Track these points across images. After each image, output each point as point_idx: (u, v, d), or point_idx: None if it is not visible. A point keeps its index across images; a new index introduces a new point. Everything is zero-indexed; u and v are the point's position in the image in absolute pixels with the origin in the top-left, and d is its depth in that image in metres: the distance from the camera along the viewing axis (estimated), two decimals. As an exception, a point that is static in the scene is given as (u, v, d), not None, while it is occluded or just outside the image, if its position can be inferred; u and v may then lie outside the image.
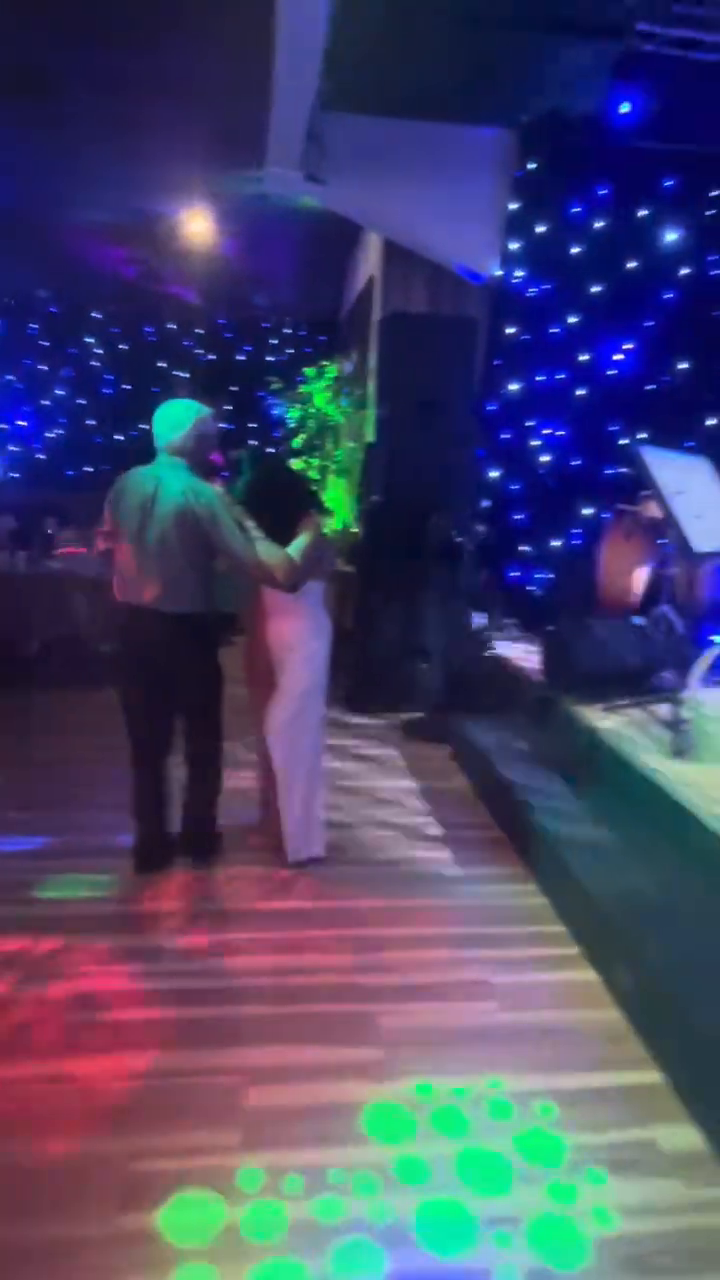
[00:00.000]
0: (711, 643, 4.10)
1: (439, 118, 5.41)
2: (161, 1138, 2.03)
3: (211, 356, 10.76)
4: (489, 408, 6.05)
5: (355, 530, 6.32)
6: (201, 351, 10.84)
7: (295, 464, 7.69)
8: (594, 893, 2.84)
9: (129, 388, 10.86)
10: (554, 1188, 1.92)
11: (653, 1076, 2.29)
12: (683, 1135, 2.09)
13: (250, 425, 10.30)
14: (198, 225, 7.96)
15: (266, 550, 3.08)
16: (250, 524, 3.12)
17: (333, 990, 2.57)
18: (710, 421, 5.95)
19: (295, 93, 4.74)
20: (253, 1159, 1.98)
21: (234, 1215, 1.83)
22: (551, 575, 6.14)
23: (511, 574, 6.21)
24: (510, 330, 6.02)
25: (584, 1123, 2.11)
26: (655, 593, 5.23)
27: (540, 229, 5.90)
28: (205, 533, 3.01)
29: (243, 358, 10.74)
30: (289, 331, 10.59)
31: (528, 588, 6.20)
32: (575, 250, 5.93)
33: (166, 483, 3.05)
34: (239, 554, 3.03)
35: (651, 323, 6.11)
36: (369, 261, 7.78)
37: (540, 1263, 1.74)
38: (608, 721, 4.10)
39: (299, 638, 3.26)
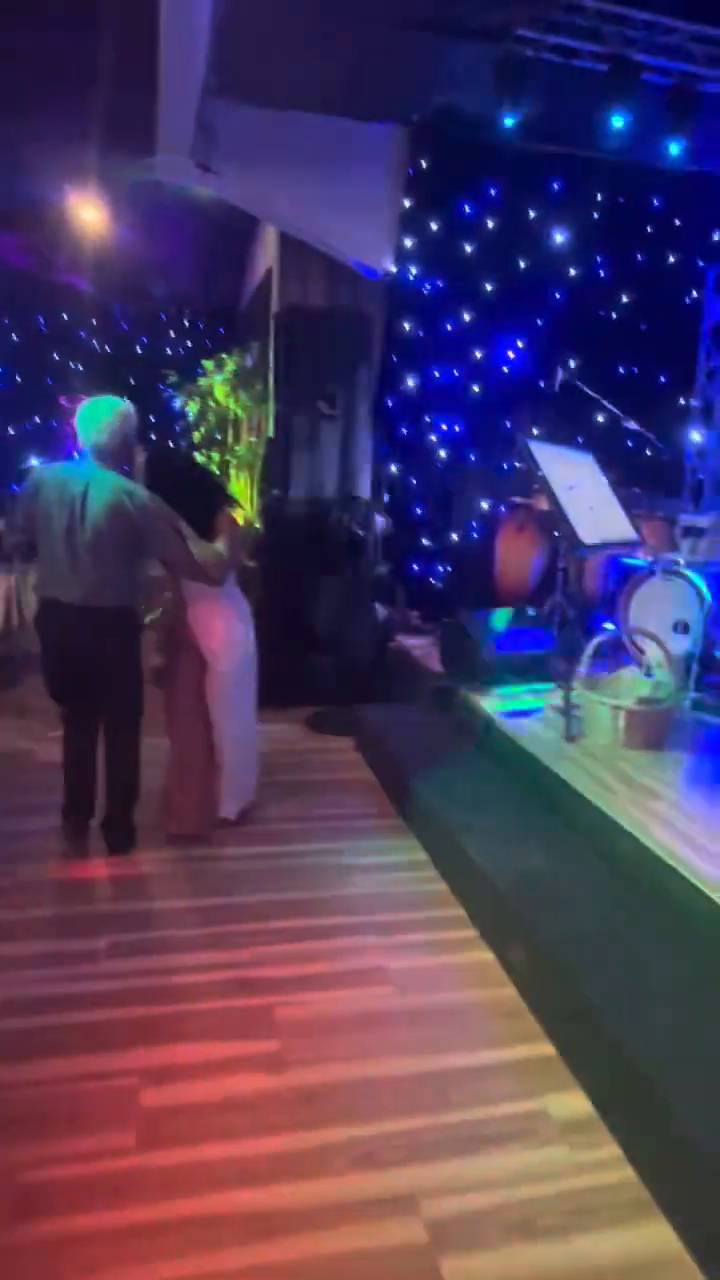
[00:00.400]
0: (601, 630, 4.26)
1: (331, 112, 5.41)
2: (53, 1145, 1.99)
3: (107, 348, 10.48)
4: (388, 402, 6.11)
5: (257, 525, 6.28)
6: (97, 343, 10.54)
7: (196, 458, 7.58)
8: (489, 874, 2.91)
9: (20, 380, 10.47)
10: (447, 1164, 1.97)
11: (545, 1049, 2.37)
12: (572, 1102, 2.17)
13: (149, 419, 10.08)
14: (91, 213, 7.73)
15: (200, 550, 3.26)
16: (183, 524, 3.26)
17: (228, 986, 2.56)
18: (599, 419, 6.17)
19: (182, 79, 4.65)
20: (150, 1159, 1.96)
21: (134, 1217, 1.81)
22: (450, 567, 6.25)
23: (413, 567, 6.29)
24: (406, 326, 6.09)
25: (478, 1098, 2.16)
26: (548, 583, 5.40)
27: (433, 226, 5.99)
28: (139, 534, 3.12)
29: (140, 350, 10.50)
30: (187, 323, 10.42)
31: (428, 580, 6.30)
32: (468, 248, 6.04)
33: (98, 482, 3.09)
34: (175, 556, 3.20)
35: (542, 321, 6.29)
36: (267, 253, 7.72)
37: (433, 1234, 1.79)
38: (504, 708, 4.22)
39: (227, 624, 3.50)
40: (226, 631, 3.51)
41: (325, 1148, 2.01)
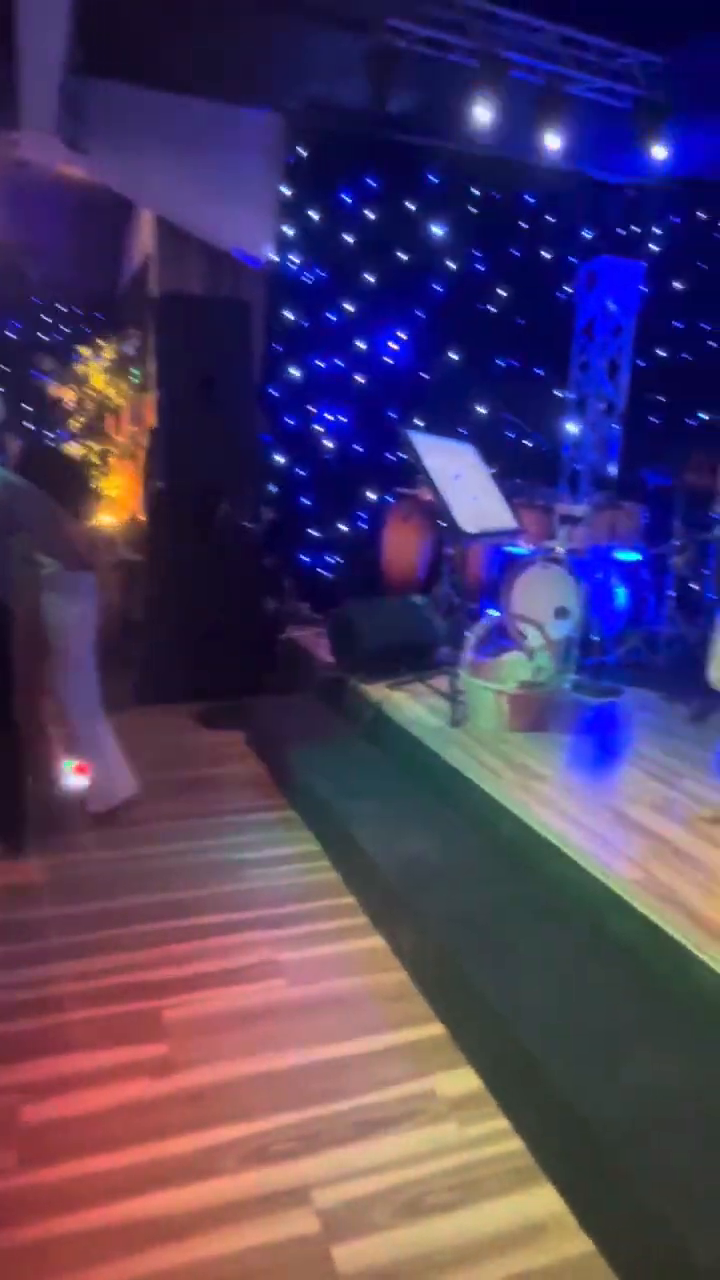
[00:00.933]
0: (485, 617, 4.36)
1: (204, 94, 5.30)
2: None
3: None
4: (272, 393, 6.06)
5: (142, 517, 6.12)
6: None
7: (73, 449, 7.31)
8: (378, 861, 2.93)
9: None
10: (339, 1152, 1.98)
11: (435, 1029, 2.41)
12: (460, 1079, 2.22)
13: (24, 407, 9.67)
14: (-48, 189, 7.32)
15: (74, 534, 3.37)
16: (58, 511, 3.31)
17: (113, 992, 2.49)
18: (480, 410, 6.30)
19: (44, 52, 4.46)
20: (34, 1177, 1.89)
21: (19, 1237, 1.74)
22: (339, 558, 6.27)
23: (301, 557, 6.27)
24: (289, 316, 6.05)
25: (369, 1083, 2.18)
26: (435, 572, 5.49)
27: (313, 216, 5.97)
28: (17, 522, 3.14)
29: (13, 335, 10.04)
30: (63, 309, 10.03)
31: (318, 571, 6.29)
32: (348, 239, 6.05)
33: None
34: (51, 542, 3.24)
35: (423, 313, 6.37)
36: (144, 239, 7.52)
37: (324, 1223, 1.79)
38: (393, 697, 4.26)
39: (73, 603, 3.44)
40: (73, 607, 3.48)
41: (216, 1147, 1.98)
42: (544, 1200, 1.87)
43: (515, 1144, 2.02)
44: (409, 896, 2.73)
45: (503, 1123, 2.07)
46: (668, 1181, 1.67)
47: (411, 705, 4.16)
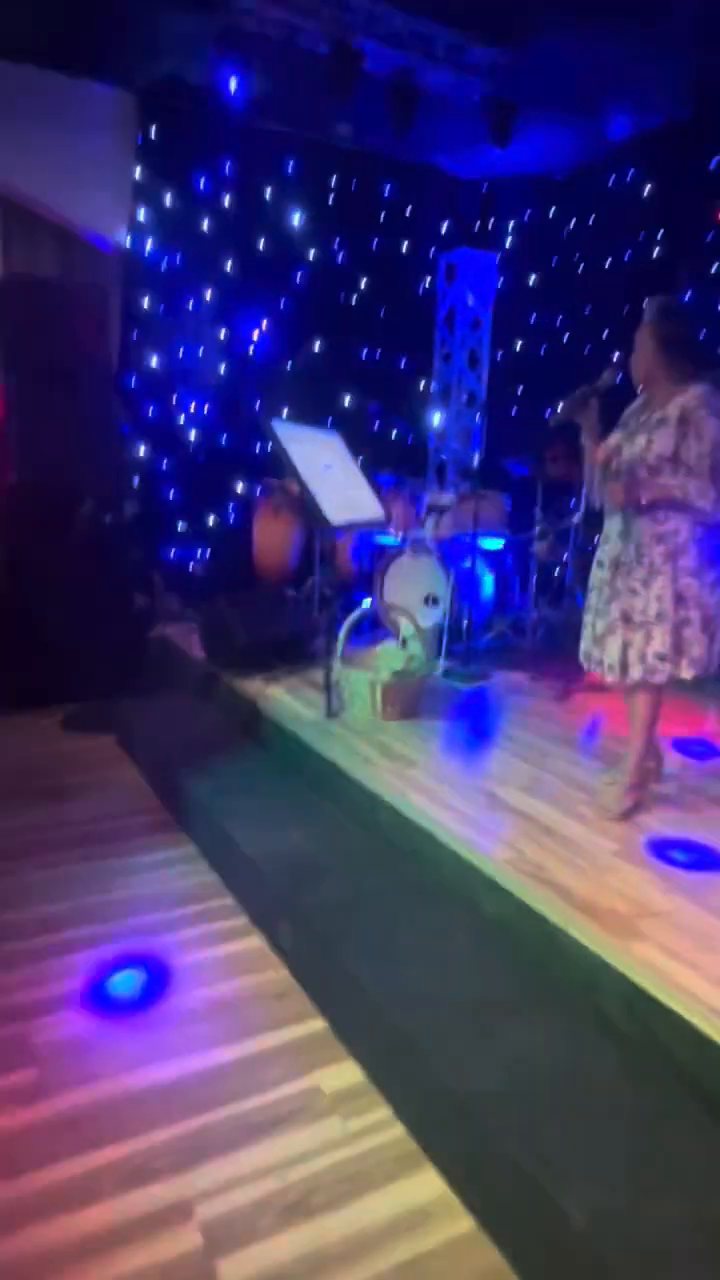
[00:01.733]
0: (358, 607, 4.36)
1: (46, 65, 5.03)
2: None
3: None
4: (131, 382, 5.85)
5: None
6: None
7: None
8: (255, 858, 2.89)
9: None
10: (221, 1161, 1.93)
11: (316, 1024, 2.39)
12: (343, 1073, 2.21)
13: None
14: None
15: None
16: None
17: (-21, 1017, 2.35)
18: (345, 400, 6.31)
19: None
20: None
21: None
22: (208, 552, 6.14)
23: (169, 552, 6.11)
24: (146, 302, 5.86)
25: (250, 1087, 2.15)
26: (307, 563, 5.46)
27: (168, 199, 5.79)
28: None
29: None
30: None
31: (187, 565, 6.15)
32: (205, 224, 5.91)
33: None
34: None
35: (285, 303, 6.31)
36: (-13, 218, 7.08)
37: (207, 1237, 1.75)
38: (267, 691, 4.22)
39: None
40: None
41: (93, 1172, 1.90)
42: (428, 1184, 1.90)
43: (398, 1131, 2.03)
44: (288, 892, 2.71)
45: (385, 1111, 2.08)
46: (540, 1150, 1.72)
47: (286, 699, 4.13)
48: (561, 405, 2.98)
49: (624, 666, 2.85)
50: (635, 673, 2.84)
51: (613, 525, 2.94)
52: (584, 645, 3.04)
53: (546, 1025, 2.08)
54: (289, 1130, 2.02)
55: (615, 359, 2.93)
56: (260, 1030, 2.35)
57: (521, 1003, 2.17)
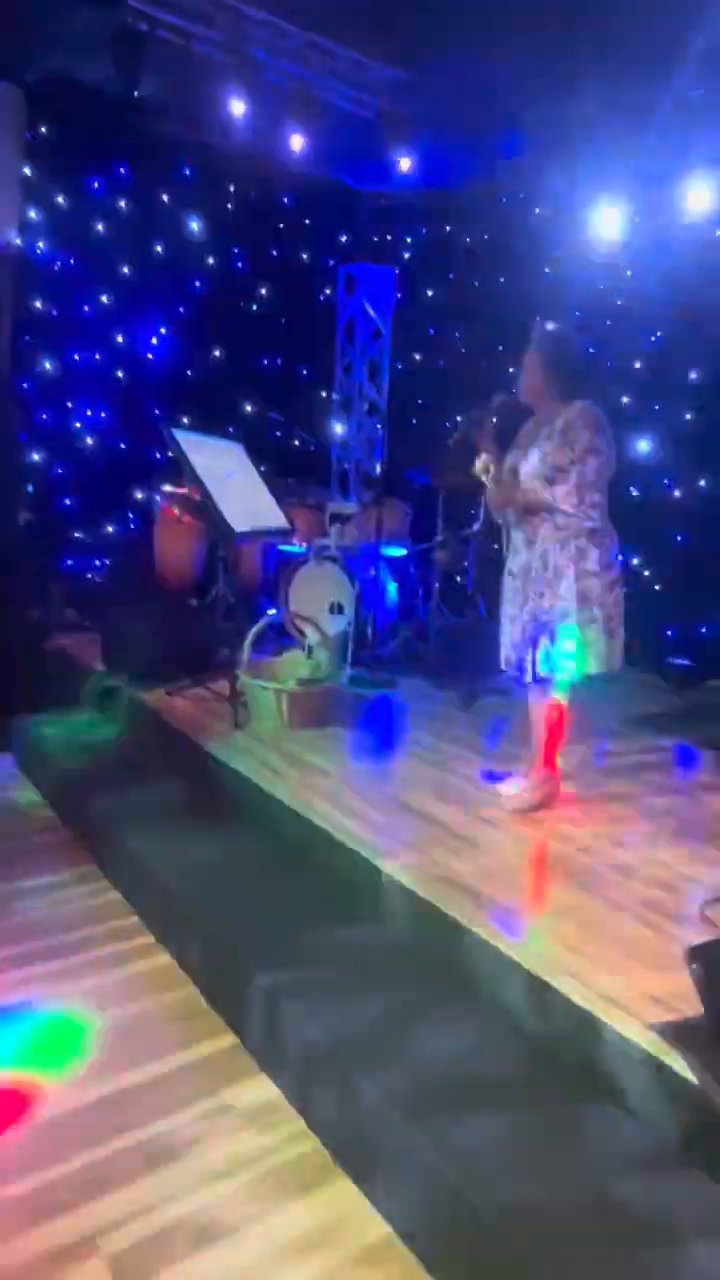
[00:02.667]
0: (263, 616, 4.34)
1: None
2: None
3: None
4: (23, 386, 5.66)
5: None
6: None
7: None
8: (160, 875, 2.83)
9: None
10: (128, 1188, 1.88)
11: (227, 1040, 2.36)
12: (254, 1088, 2.19)
13: None
14: None
15: None
16: None
17: None
18: (247, 408, 6.28)
19: None
20: None
21: None
22: (108, 561, 5.99)
23: (66, 562, 5.93)
24: (38, 304, 5.68)
25: (159, 1110, 2.09)
26: (211, 572, 5.39)
27: (60, 200, 5.64)
28: None
29: None
30: None
31: (85, 575, 5.97)
32: (100, 227, 5.78)
33: None
34: None
35: (184, 309, 6.23)
36: None
37: (114, 1269, 1.69)
38: (172, 703, 4.14)
39: None
40: None
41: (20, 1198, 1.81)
42: (341, 1193, 1.89)
43: (311, 1143, 2.02)
44: (195, 907, 2.65)
45: (298, 1123, 2.07)
46: (452, 1150, 1.74)
47: (191, 710, 4.06)
48: (458, 426, 3.11)
49: (535, 666, 2.97)
50: (544, 670, 2.95)
51: (519, 536, 3.07)
52: (503, 651, 3.15)
53: (458, 1025, 2.11)
54: (200, 1151, 1.98)
55: (505, 394, 3.10)
56: (168, 1051, 2.30)
57: (433, 1004, 2.19)
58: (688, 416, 4.83)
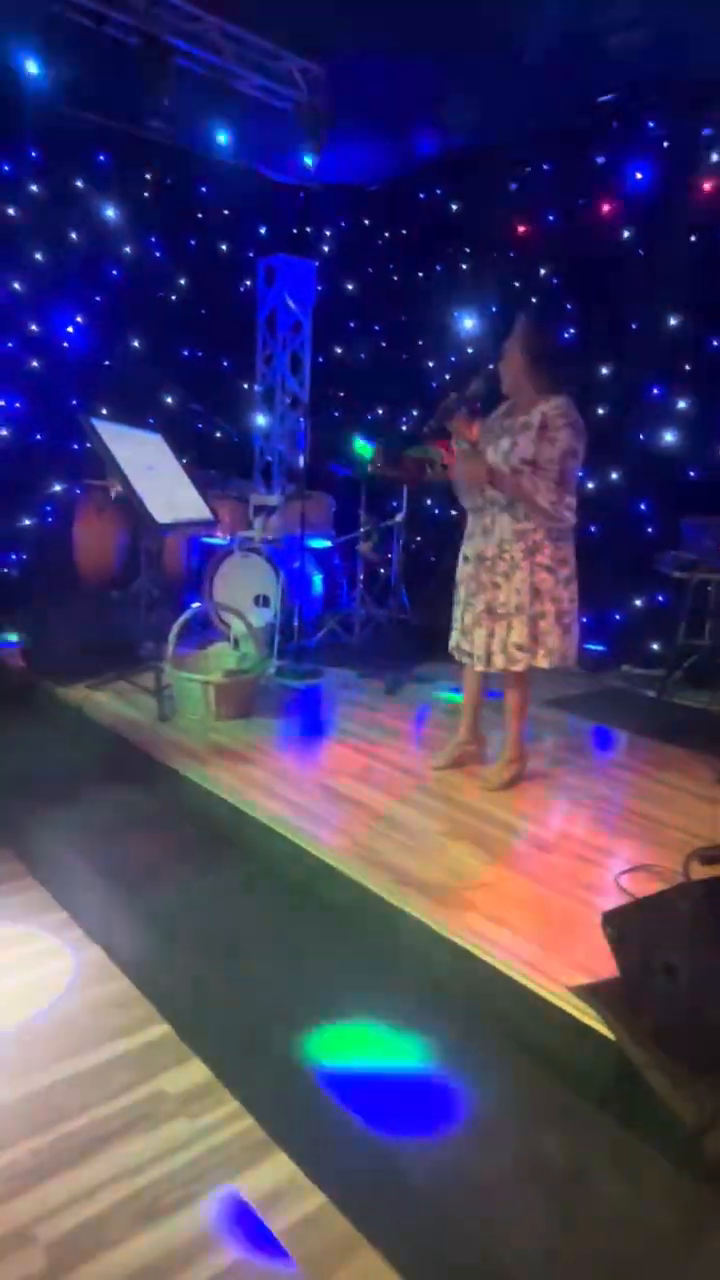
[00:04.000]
0: (188, 608, 4.32)
1: None
2: None
3: None
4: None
5: None
6: None
7: None
8: (90, 869, 2.81)
9: None
10: (65, 1177, 1.88)
11: (160, 1028, 2.36)
12: (189, 1073, 2.20)
13: None
14: None
15: None
16: None
17: None
18: (168, 399, 6.20)
19: None
20: None
21: None
22: (24, 555, 5.85)
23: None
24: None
25: (94, 1099, 2.09)
26: (133, 565, 5.33)
27: (-32, 182, 5.47)
28: None
29: None
30: None
31: (1, 570, 5.83)
32: (10, 211, 5.62)
33: None
34: None
35: (101, 298, 6.12)
36: None
37: (50, 1257, 1.69)
38: (94, 697, 4.09)
39: None
40: None
41: None
42: (278, 1168, 1.93)
43: (247, 1122, 2.05)
44: (126, 898, 2.65)
45: (233, 1105, 2.10)
46: (384, 1118, 1.80)
47: (115, 705, 4.03)
48: (436, 414, 3.09)
49: (488, 656, 3.06)
50: (498, 661, 3.05)
51: (476, 523, 3.13)
52: (453, 638, 3.23)
53: (388, 1000, 2.17)
54: (134, 1137, 1.99)
55: (485, 376, 3.10)
56: (101, 1042, 2.30)
57: (362, 983, 2.24)
58: (600, 411, 5.01)
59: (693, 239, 4.93)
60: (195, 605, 4.67)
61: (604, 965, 2.02)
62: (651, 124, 5.06)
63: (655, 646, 5.13)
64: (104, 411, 5.52)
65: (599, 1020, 1.89)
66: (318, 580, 5.44)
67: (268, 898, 2.64)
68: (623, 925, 1.91)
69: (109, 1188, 1.85)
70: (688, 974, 1.72)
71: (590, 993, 1.96)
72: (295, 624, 4.91)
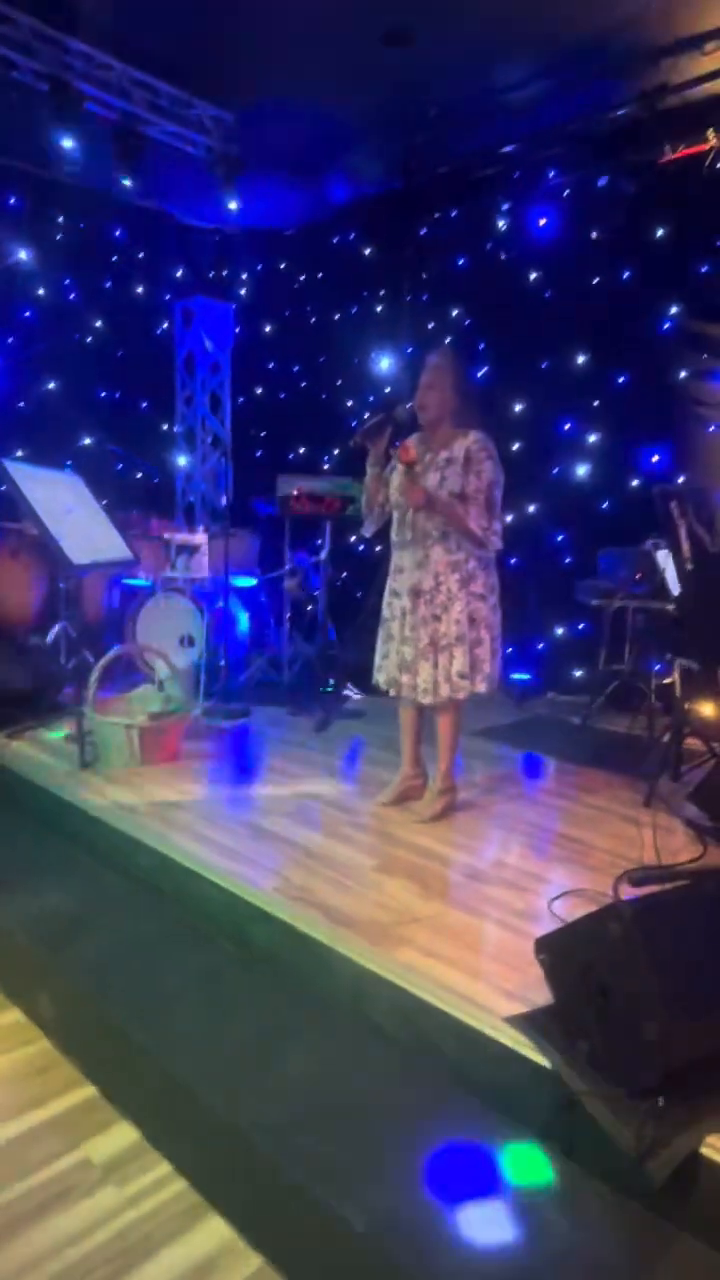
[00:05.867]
0: (109, 651, 4.21)
1: None
2: None
3: None
4: None
5: None
6: None
7: None
8: (5, 926, 2.67)
9: None
10: (-20, 1261, 1.75)
11: (85, 1091, 2.24)
12: (114, 1138, 2.09)
13: None
14: None
15: None
16: None
17: None
18: (85, 441, 6.12)
19: None
20: None
21: None
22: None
23: None
24: None
25: (12, 1174, 1.96)
26: (50, 610, 5.19)
27: None
28: None
29: None
30: None
31: None
32: None
33: None
34: None
35: (13, 339, 6.03)
36: None
37: None
38: (12, 746, 3.94)
39: None
40: None
41: None
42: (213, 1232, 1.83)
43: (179, 1185, 1.95)
44: (45, 955, 2.52)
45: (164, 1168, 1.99)
46: (324, 1171, 1.73)
47: (34, 753, 3.88)
48: (359, 430, 3.10)
49: (435, 688, 3.05)
50: (444, 691, 3.06)
51: (406, 557, 3.14)
52: (388, 673, 3.21)
53: (322, 1045, 2.11)
54: (59, 1211, 1.87)
55: (410, 405, 3.12)
56: (20, 1110, 2.16)
57: (296, 1027, 2.17)
58: (514, 447, 5.14)
59: (595, 281, 5.15)
60: (117, 648, 4.56)
61: (540, 993, 2.00)
62: (552, 173, 5.29)
63: (578, 673, 5.23)
64: (19, 454, 5.41)
65: (536, 1050, 1.86)
66: (244, 619, 5.39)
67: (197, 945, 2.55)
68: (555, 951, 1.91)
69: (31, 1271, 1.73)
70: (621, 996, 1.71)
71: (526, 1022, 1.94)
72: (222, 663, 4.85)
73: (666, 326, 4.92)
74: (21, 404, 6.07)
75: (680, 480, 4.78)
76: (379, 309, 6.31)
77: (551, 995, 1.93)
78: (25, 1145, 2.05)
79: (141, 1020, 2.19)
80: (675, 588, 3.32)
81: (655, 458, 4.99)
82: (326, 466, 6.43)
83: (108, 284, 6.62)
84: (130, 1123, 2.12)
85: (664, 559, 3.73)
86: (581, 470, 5.28)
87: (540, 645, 5.45)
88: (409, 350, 5.96)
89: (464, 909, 2.55)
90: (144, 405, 6.82)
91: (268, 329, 7.11)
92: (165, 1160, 2.01)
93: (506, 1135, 1.82)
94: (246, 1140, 1.83)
